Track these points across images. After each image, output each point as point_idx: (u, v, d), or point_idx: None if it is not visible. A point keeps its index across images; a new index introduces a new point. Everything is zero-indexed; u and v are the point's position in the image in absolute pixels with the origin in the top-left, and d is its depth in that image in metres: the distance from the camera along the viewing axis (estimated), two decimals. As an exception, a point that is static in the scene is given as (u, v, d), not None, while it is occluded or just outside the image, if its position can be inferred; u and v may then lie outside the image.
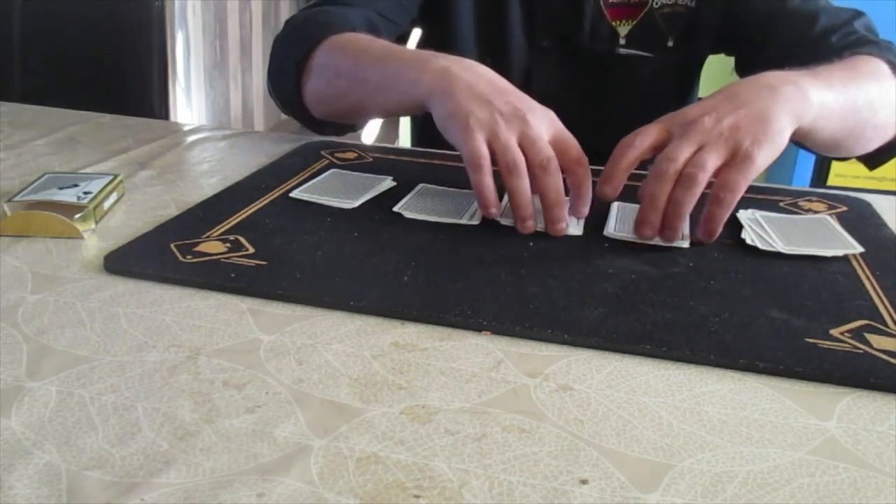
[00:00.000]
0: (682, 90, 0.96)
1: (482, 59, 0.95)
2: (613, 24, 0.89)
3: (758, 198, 0.72)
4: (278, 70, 0.82)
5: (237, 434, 0.37)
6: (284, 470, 0.35)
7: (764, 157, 0.57)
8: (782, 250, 0.59)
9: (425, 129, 1.03)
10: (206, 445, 0.36)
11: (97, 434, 0.37)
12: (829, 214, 0.68)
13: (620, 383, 0.43)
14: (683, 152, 0.58)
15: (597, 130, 0.94)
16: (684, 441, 0.38)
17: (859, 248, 0.59)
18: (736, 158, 0.57)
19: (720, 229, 0.58)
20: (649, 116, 0.95)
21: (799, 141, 0.67)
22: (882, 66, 0.72)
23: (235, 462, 0.35)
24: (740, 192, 0.57)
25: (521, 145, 0.61)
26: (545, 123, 0.64)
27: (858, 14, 0.83)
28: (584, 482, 0.35)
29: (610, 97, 0.92)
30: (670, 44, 0.89)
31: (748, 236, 0.62)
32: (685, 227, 0.60)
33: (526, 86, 0.92)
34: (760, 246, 0.60)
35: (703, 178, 0.57)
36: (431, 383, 0.42)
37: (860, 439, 0.39)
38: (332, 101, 0.79)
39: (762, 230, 0.63)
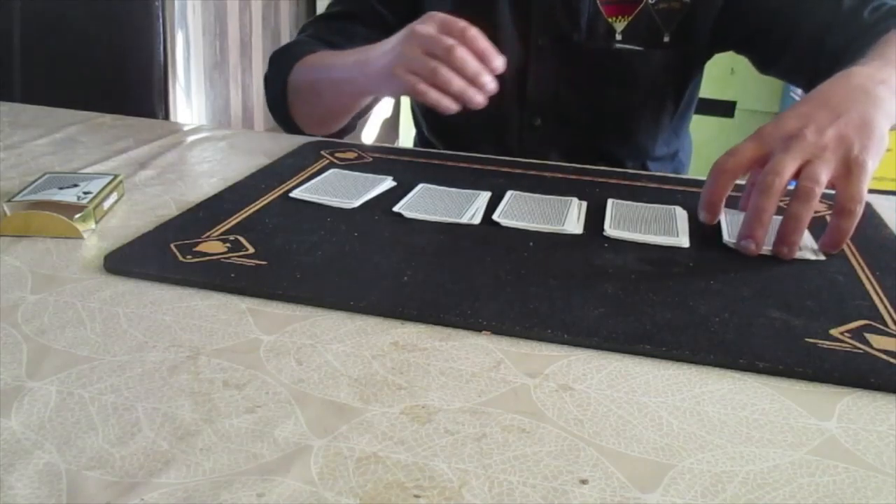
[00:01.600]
0: (680, 87, 0.96)
1: None
2: (609, 20, 0.89)
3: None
4: (273, 103, 0.92)
5: (237, 434, 0.37)
6: (284, 470, 0.35)
7: (874, 162, 0.58)
8: (729, 243, 0.61)
9: (427, 128, 1.03)
10: (206, 445, 0.36)
11: (97, 434, 0.37)
12: (829, 215, 0.68)
13: (620, 383, 0.43)
14: (789, 166, 0.57)
15: (597, 128, 0.94)
16: (684, 441, 0.38)
17: (813, 256, 0.59)
18: (849, 169, 0.57)
19: (847, 240, 0.59)
20: (648, 114, 0.95)
21: None
22: None
23: (235, 462, 0.35)
24: (864, 201, 0.57)
25: (428, 54, 0.71)
26: (431, 23, 0.72)
27: None
28: (584, 482, 0.35)
29: (608, 94, 0.92)
30: (666, 39, 0.89)
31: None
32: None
33: (522, 83, 0.92)
34: (723, 238, 0.61)
35: (819, 192, 0.57)
36: (431, 383, 0.42)
37: (860, 439, 0.39)
38: (311, 115, 0.91)
39: (725, 223, 0.64)
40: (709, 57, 0.96)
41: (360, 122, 0.95)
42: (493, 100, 0.93)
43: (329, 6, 1.01)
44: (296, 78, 0.88)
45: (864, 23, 0.80)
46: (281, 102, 0.90)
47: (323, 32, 0.95)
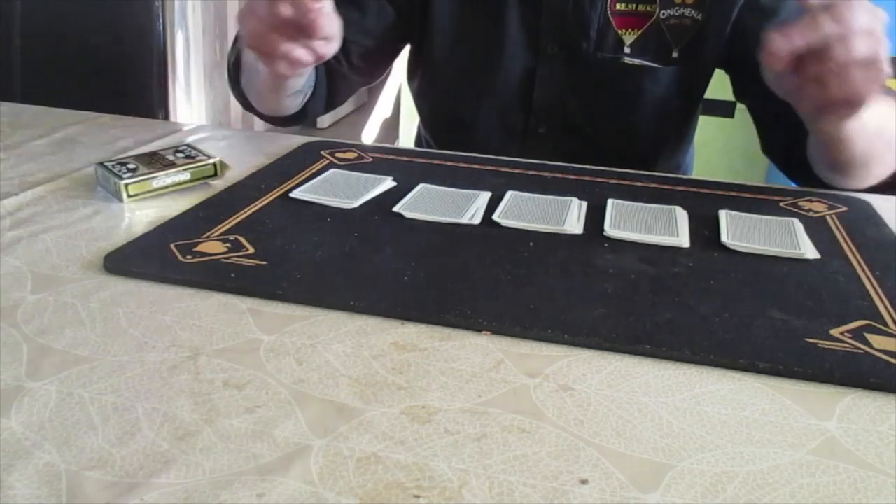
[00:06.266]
0: (687, 105, 0.95)
1: (476, 58, 0.94)
2: (619, 32, 0.89)
3: (758, 198, 0.72)
4: (230, 80, 0.92)
5: (237, 434, 0.37)
6: (284, 470, 0.35)
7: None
8: (728, 244, 0.60)
9: (428, 133, 1.03)
10: (206, 445, 0.36)
11: (97, 434, 0.37)
12: (829, 215, 0.68)
13: (620, 383, 0.43)
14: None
15: (601, 140, 0.94)
16: (684, 441, 0.38)
17: (812, 255, 0.59)
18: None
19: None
20: (654, 128, 0.95)
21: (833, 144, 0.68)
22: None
23: (235, 462, 0.35)
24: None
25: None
26: None
27: None
28: (584, 482, 0.35)
29: (615, 107, 0.91)
30: (675, 55, 0.89)
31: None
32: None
33: (528, 90, 0.92)
34: (723, 240, 0.61)
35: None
36: (431, 383, 0.42)
37: (860, 439, 0.39)
38: (250, 90, 0.87)
39: (725, 224, 0.64)
40: (710, 73, 0.94)
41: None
42: (499, 105, 0.93)
43: None
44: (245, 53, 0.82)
45: None
46: (234, 78, 0.89)
47: None
